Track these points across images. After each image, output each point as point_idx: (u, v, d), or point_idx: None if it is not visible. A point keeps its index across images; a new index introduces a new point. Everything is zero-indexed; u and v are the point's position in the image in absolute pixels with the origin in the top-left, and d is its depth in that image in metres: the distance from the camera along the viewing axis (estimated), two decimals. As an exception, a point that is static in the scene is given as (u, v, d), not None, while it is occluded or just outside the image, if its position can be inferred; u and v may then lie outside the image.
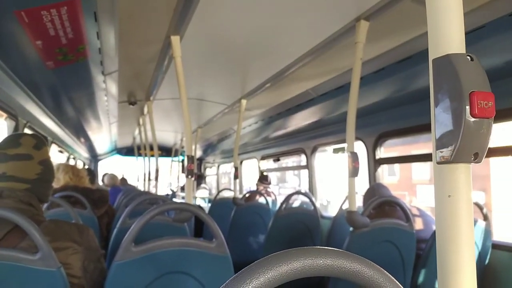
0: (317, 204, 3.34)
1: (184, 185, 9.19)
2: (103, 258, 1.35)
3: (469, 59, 0.54)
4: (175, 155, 8.19)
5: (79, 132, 4.72)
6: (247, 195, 4.28)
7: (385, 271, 0.41)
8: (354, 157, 1.81)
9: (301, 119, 3.64)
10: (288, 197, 2.81)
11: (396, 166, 15.52)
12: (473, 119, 0.52)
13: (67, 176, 2.34)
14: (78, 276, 1.17)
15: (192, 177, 2.14)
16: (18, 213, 1.03)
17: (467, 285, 0.52)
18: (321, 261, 0.38)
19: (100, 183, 6.24)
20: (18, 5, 1.34)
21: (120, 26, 1.89)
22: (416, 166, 14.71)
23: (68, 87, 2.59)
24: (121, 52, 2.25)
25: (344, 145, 3.63)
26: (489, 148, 0.59)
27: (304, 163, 4.16)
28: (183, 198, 6.83)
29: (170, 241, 1.27)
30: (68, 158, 5.14)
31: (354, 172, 1.80)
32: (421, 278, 1.98)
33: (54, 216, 1.67)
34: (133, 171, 8.22)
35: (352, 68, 1.86)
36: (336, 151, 3.57)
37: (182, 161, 8.61)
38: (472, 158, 0.55)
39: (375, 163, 2.92)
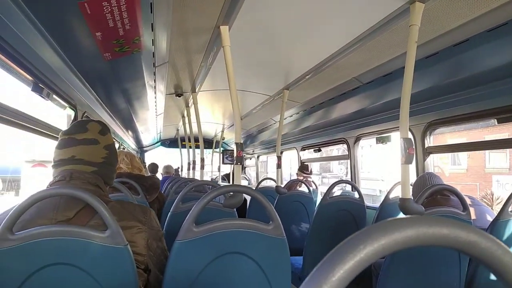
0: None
1: (225, 175, 9.28)
2: (163, 238, 1.39)
3: None
4: (216, 147, 8.36)
5: (128, 123, 4.84)
6: (288, 184, 4.29)
7: (502, 243, 0.38)
8: (408, 143, 1.75)
9: (344, 109, 3.56)
10: (333, 185, 2.78)
11: (463, 154, 13.69)
12: None
13: (124, 163, 2.45)
14: (142, 254, 1.21)
15: (240, 164, 2.17)
16: (89, 193, 1.08)
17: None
18: (436, 230, 0.36)
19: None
20: (82, -4, 1.38)
21: (172, 17, 1.93)
22: (491, 153, 12.88)
23: (121, 79, 2.68)
24: (172, 43, 2.31)
25: (387, 134, 3.53)
26: None
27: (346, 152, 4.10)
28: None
29: (229, 223, 1.30)
30: (119, 148, 5.36)
31: (408, 159, 1.75)
32: (477, 269, 1.90)
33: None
34: (176, 162, 8.47)
35: (406, 52, 1.80)
36: (380, 140, 3.47)
37: (223, 151, 8.78)
38: None
39: (424, 152, 2.81)
